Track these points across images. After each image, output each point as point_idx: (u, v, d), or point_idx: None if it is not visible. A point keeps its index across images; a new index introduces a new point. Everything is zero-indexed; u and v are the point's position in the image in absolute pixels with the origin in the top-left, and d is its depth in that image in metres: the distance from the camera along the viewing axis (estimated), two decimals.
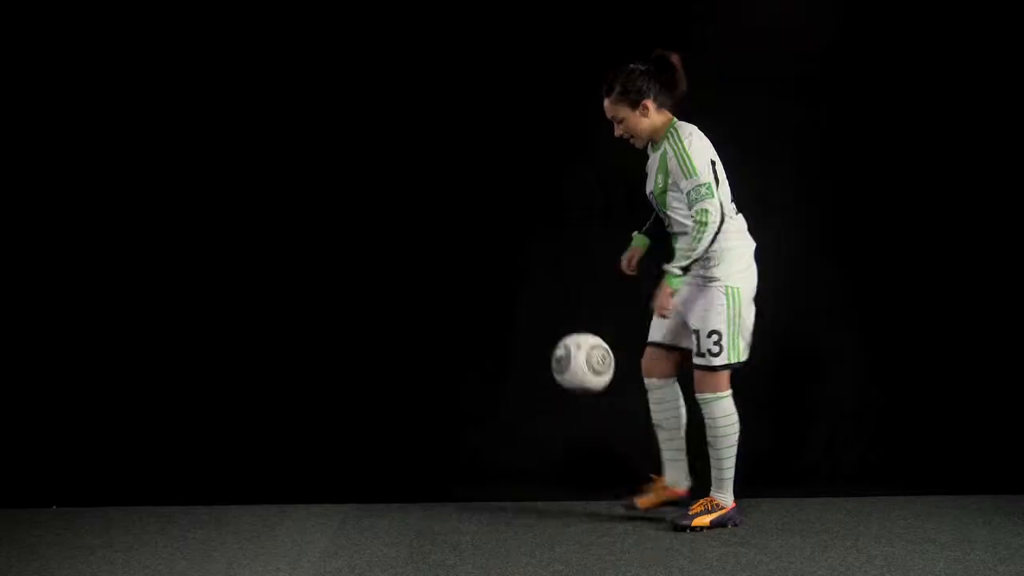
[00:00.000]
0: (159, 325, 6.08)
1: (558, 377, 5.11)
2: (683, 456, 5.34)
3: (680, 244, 5.08)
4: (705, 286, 5.09)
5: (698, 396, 5.19)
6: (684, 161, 5.03)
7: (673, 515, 5.20)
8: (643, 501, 5.32)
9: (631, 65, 5.13)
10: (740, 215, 5.20)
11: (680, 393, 5.32)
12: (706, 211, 4.98)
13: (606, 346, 5.08)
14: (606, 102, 5.15)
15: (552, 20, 6.05)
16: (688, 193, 5.01)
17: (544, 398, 6.08)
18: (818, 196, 6.16)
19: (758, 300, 6.06)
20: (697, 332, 5.11)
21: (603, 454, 5.98)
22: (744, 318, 5.12)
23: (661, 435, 5.34)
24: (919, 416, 6.10)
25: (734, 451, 5.19)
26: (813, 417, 6.12)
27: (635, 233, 5.39)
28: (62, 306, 6.06)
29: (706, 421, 5.19)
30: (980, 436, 6.05)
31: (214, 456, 6.01)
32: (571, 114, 5.85)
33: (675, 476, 5.34)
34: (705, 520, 5.14)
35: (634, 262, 5.37)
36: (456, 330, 6.13)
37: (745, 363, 5.18)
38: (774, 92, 6.07)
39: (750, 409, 6.09)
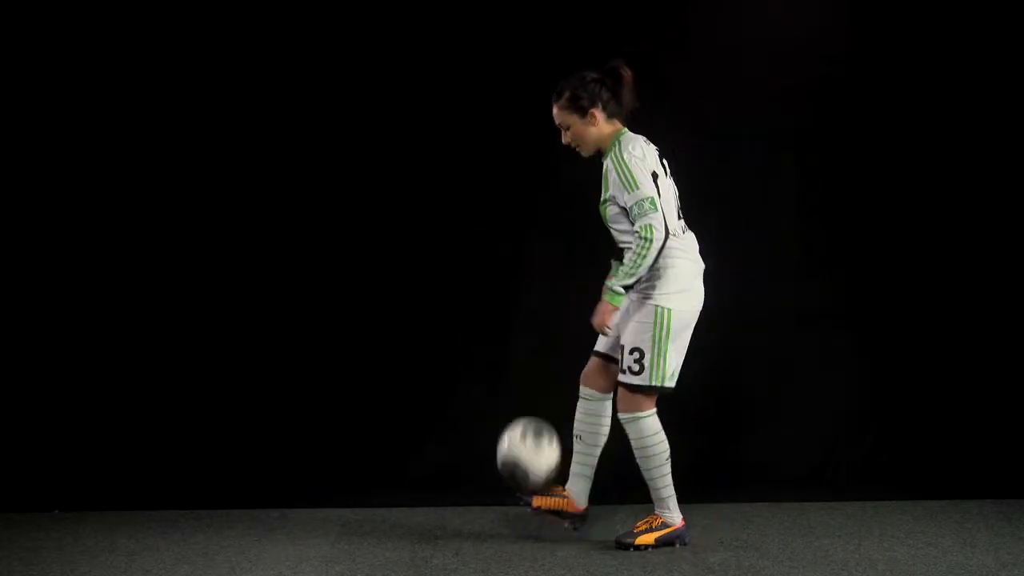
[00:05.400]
0: (161, 330, 6.08)
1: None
2: (591, 474, 5.15)
3: (624, 261, 4.91)
4: (640, 302, 4.94)
5: (619, 415, 5.02)
6: (624, 174, 4.88)
7: (619, 533, 5.07)
8: (538, 500, 5.10)
9: (582, 73, 5.01)
10: (690, 234, 5.02)
11: (609, 412, 5.13)
12: (650, 226, 4.81)
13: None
14: (554, 108, 5.04)
15: (552, 22, 6.04)
16: (631, 208, 4.85)
17: (545, 402, 6.09)
18: (818, 200, 6.15)
19: (759, 305, 6.08)
20: (622, 347, 4.96)
21: (606, 458, 5.98)
22: (672, 341, 4.93)
23: (577, 446, 5.14)
24: (921, 421, 6.10)
25: (666, 468, 4.99)
26: (815, 422, 6.11)
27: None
28: (64, 310, 6.06)
29: (631, 441, 5.01)
30: (982, 441, 6.05)
31: (216, 460, 6.02)
32: None
33: (577, 490, 5.15)
34: (649, 538, 4.98)
35: None
36: (455, 334, 6.13)
37: (671, 390, 4.99)
38: (774, 97, 6.07)
39: (751, 414, 6.12)
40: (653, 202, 4.85)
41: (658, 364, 4.92)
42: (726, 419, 6.12)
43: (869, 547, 4.99)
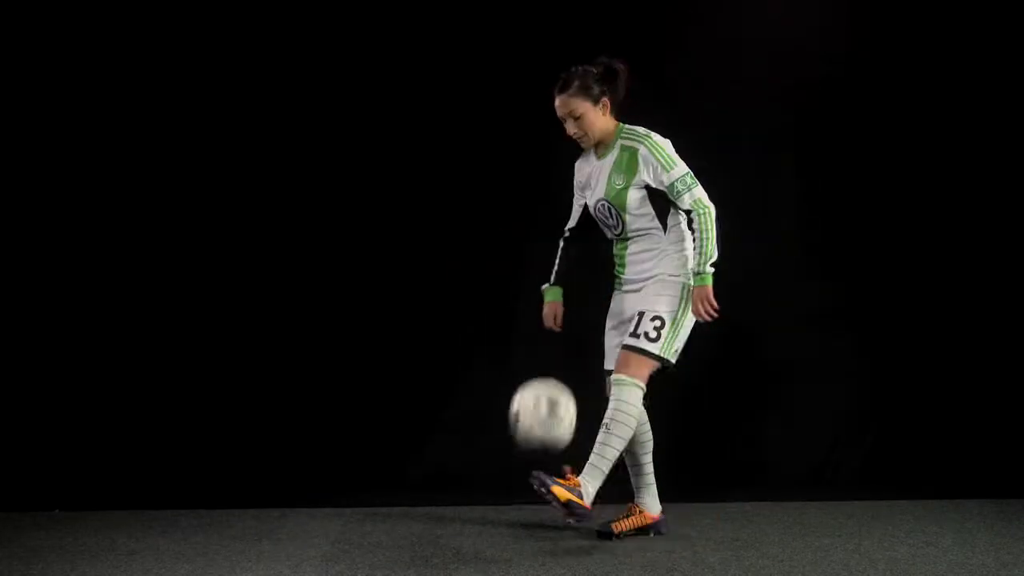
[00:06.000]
0: (161, 330, 6.09)
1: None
2: (652, 480, 5.17)
3: (678, 246, 4.95)
4: (663, 279, 4.97)
5: (616, 376, 4.94)
6: (661, 155, 4.95)
7: (599, 525, 5.06)
8: (617, 526, 5.13)
9: (583, 66, 5.05)
10: None
11: (646, 418, 5.11)
12: (700, 200, 4.91)
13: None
14: (561, 98, 5.03)
15: (552, 23, 6.05)
16: (673, 186, 4.92)
17: None
18: (818, 200, 6.16)
19: (760, 305, 6.07)
20: (641, 313, 4.95)
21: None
22: (687, 320, 4.97)
23: (630, 460, 5.16)
24: (921, 421, 6.10)
25: (623, 446, 4.90)
26: (815, 422, 6.12)
27: (545, 287, 5.24)
28: (64, 311, 6.07)
29: (611, 403, 4.91)
30: (982, 441, 6.05)
31: (216, 460, 6.02)
32: None
33: (648, 500, 5.18)
34: (564, 494, 4.81)
35: (559, 318, 5.23)
36: (455, 336, 6.13)
37: (672, 372, 4.98)
38: (774, 97, 6.08)
39: (752, 414, 6.12)
40: (692, 176, 4.94)
41: (671, 338, 4.95)
42: (726, 419, 6.12)
43: (869, 547, 4.99)
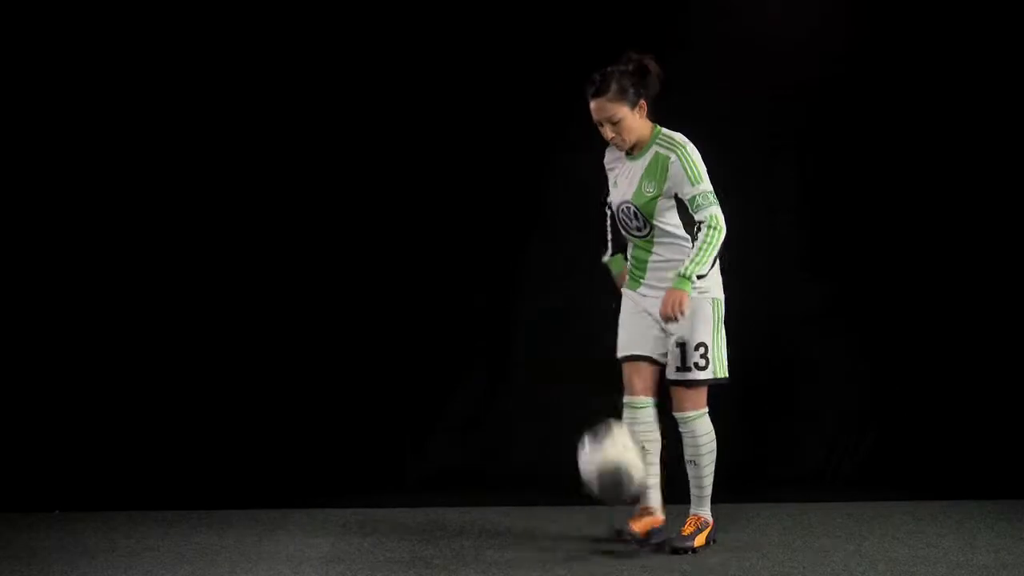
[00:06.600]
0: (160, 330, 6.09)
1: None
2: (658, 482, 5.08)
3: (693, 252, 4.84)
4: (693, 297, 4.86)
5: (679, 415, 4.96)
6: (691, 167, 4.85)
7: (668, 539, 4.98)
8: (638, 525, 5.00)
9: (614, 67, 4.89)
10: None
11: (657, 424, 5.03)
12: (717, 217, 4.82)
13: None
14: (599, 101, 4.85)
15: (552, 22, 6.05)
16: (694, 199, 4.83)
17: (545, 402, 6.10)
18: (818, 200, 6.16)
19: (759, 306, 6.08)
20: (683, 345, 4.90)
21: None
22: (722, 331, 4.96)
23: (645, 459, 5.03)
24: (921, 421, 6.10)
25: (713, 468, 4.98)
26: (815, 422, 6.12)
27: (607, 259, 5.17)
28: (64, 310, 6.07)
29: (687, 440, 4.96)
30: (983, 441, 6.05)
31: (216, 460, 6.02)
32: (569, 116, 5.84)
33: (656, 502, 5.08)
34: (702, 539, 4.97)
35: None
36: (455, 335, 6.13)
37: (726, 382, 4.97)
38: (774, 97, 6.08)
39: (751, 415, 6.12)
40: (714, 195, 4.86)
41: (719, 356, 4.95)
42: (726, 419, 6.09)
43: (869, 547, 4.99)
